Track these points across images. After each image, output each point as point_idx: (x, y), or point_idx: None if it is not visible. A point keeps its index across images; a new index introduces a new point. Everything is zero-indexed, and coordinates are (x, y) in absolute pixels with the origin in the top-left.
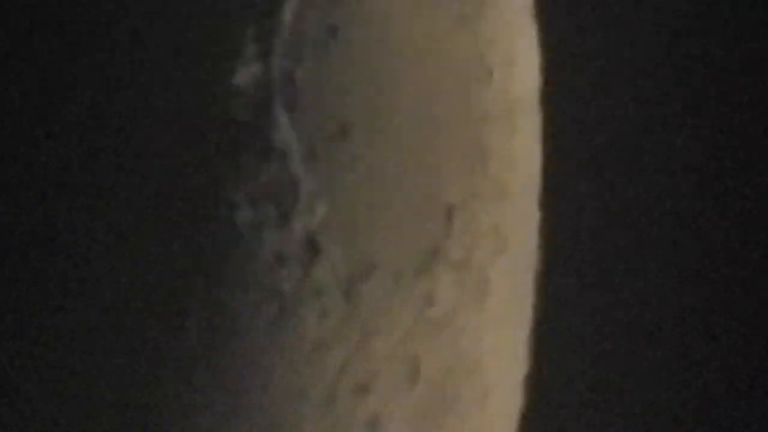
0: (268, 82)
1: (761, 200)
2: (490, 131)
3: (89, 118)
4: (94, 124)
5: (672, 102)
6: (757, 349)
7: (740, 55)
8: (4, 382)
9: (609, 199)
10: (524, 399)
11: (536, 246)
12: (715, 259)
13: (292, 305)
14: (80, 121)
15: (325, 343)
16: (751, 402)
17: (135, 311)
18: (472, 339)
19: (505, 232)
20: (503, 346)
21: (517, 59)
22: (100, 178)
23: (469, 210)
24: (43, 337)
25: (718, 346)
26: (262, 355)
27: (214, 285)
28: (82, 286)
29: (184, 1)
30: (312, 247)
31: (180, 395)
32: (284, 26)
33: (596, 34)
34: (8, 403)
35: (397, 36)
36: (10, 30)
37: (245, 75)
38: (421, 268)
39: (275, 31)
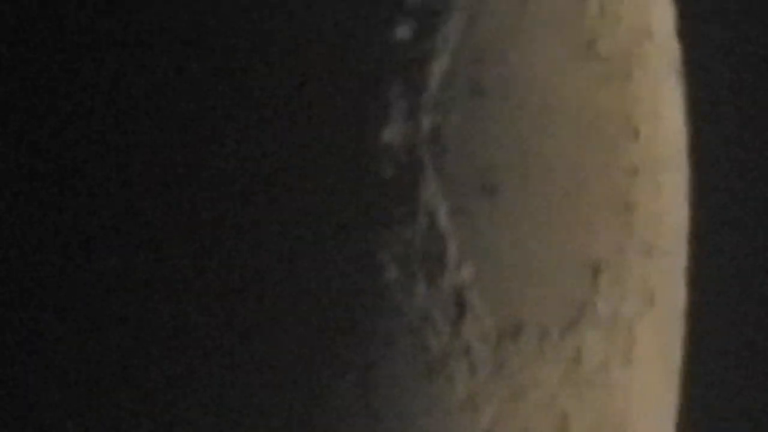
0: (416, 140)
1: None
2: (636, 188)
3: (238, 185)
4: (242, 191)
5: None
6: None
7: None
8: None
9: (756, 253)
10: None
11: (683, 302)
12: None
13: (441, 362)
14: (230, 187)
15: (474, 400)
16: None
17: (291, 363)
18: (620, 396)
19: (652, 288)
20: (651, 403)
21: (663, 116)
22: (255, 240)
23: (615, 266)
24: (201, 392)
25: None
26: (413, 411)
27: (365, 342)
28: (238, 341)
29: (331, 59)
30: (460, 305)
31: None
32: (432, 83)
33: (741, 90)
34: None
35: (543, 94)
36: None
37: (393, 133)
38: (568, 326)
39: (423, 88)
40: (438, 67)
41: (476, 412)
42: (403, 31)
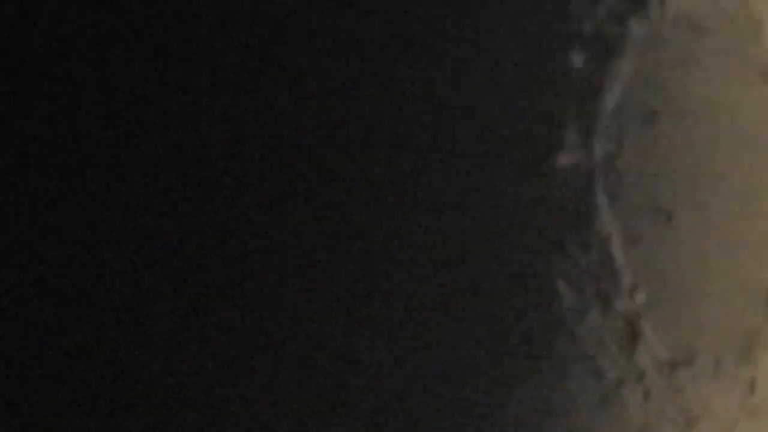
0: (590, 167)
1: None
2: None
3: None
4: (400, 220)
5: None
6: None
7: None
8: None
9: None
10: None
11: None
12: None
13: (616, 388)
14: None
15: (648, 427)
16: None
17: (464, 378)
18: None
19: None
20: None
21: None
22: (432, 263)
23: None
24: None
25: None
26: None
27: (541, 364)
28: (408, 350)
29: (506, 86)
30: (633, 332)
31: None
32: (605, 110)
33: None
34: None
35: (717, 118)
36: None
37: (567, 159)
38: (742, 354)
39: (596, 115)
40: (611, 95)
41: None
42: (578, 59)
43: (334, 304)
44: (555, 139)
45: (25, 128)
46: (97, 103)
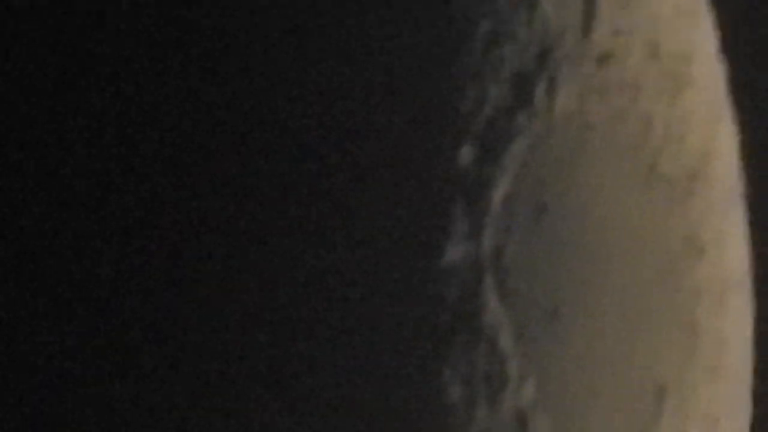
0: (478, 261)
1: None
2: (701, 310)
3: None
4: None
5: None
6: None
7: None
8: None
9: None
10: None
11: (747, 427)
12: None
13: None
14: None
15: None
16: None
17: None
18: None
19: (716, 413)
20: None
21: (726, 238)
22: (306, 357)
23: (680, 391)
24: None
25: None
26: None
27: None
28: None
29: (395, 182)
30: (521, 426)
31: None
32: (494, 204)
33: None
34: None
35: (606, 215)
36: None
37: (455, 254)
38: None
39: (485, 209)
40: (500, 190)
41: None
42: (466, 155)
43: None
44: (443, 234)
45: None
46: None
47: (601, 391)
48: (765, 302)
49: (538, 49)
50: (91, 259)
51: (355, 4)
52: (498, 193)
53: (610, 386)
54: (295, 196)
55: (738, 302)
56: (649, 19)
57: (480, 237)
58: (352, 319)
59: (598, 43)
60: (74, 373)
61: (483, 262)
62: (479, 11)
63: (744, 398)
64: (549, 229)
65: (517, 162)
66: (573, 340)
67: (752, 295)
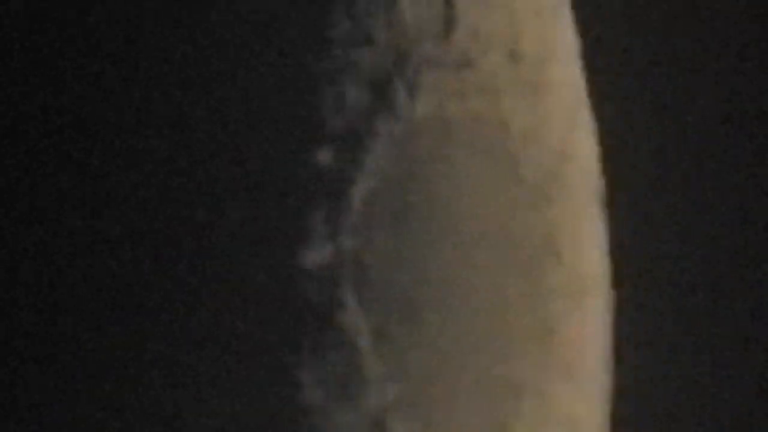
0: (337, 264)
1: None
2: (558, 312)
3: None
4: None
5: None
6: None
7: None
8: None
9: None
10: None
11: (604, 425)
12: None
13: None
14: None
15: None
16: None
17: None
18: None
19: (575, 413)
20: None
21: (584, 241)
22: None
23: (537, 391)
24: None
25: None
26: None
27: None
28: None
29: (252, 183)
30: (380, 429)
31: None
32: (353, 208)
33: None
34: None
35: (465, 219)
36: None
37: (314, 256)
38: None
39: (344, 213)
40: (360, 191)
41: None
42: (325, 156)
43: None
44: (302, 236)
45: None
46: None
47: (459, 391)
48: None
49: (397, 52)
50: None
51: (207, 4)
52: (358, 195)
53: (469, 387)
54: (152, 199)
55: (595, 304)
56: (508, 22)
57: (340, 238)
58: (209, 320)
59: (457, 46)
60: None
61: (343, 264)
62: (337, 14)
63: (602, 399)
64: (409, 230)
65: (378, 164)
66: (432, 342)
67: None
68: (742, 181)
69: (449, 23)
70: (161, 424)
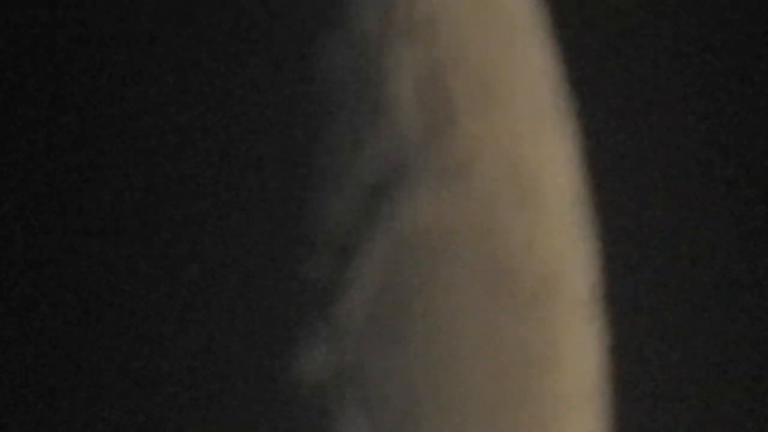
0: (336, 375)
1: None
2: (555, 419)
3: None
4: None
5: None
6: None
7: None
8: None
9: None
10: None
11: None
12: None
13: None
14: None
15: None
16: None
17: None
18: None
19: None
20: None
21: (582, 347)
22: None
23: None
24: None
25: None
26: None
27: None
28: None
29: (248, 295)
30: None
31: None
32: (349, 316)
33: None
34: None
35: (464, 324)
36: None
37: (311, 367)
38: None
39: (347, 319)
40: (356, 300)
41: None
42: (320, 263)
43: None
44: (300, 346)
45: None
46: None
47: None
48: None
49: (397, 159)
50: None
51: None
52: (354, 304)
53: None
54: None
55: (592, 410)
56: (506, 129)
57: (337, 349)
58: None
59: (457, 152)
60: None
61: (341, 375)
62: (335, 121)
63: None
64: (406, 341)
65: (377, 270)
66: None
67: None
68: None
69: (449, 127)
70: None
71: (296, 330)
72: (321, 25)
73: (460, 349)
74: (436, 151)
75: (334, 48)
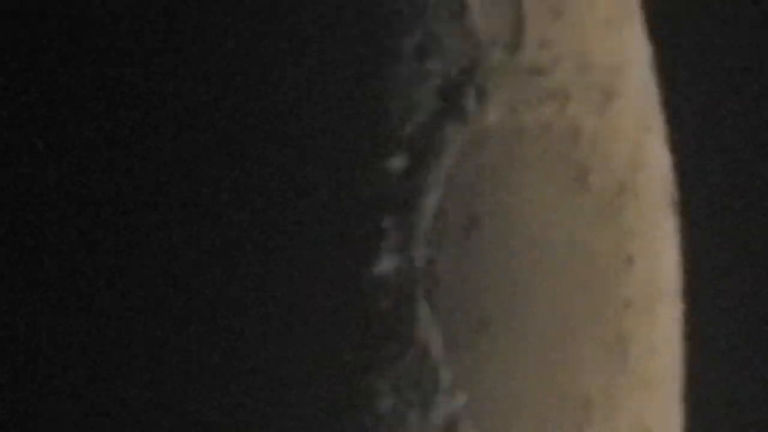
0: (410, 273)
1: None
2: (630, 321)
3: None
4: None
5: None
6: None
7: None
8: None
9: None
10: None
11: None
12: None
13: None
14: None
15: None
16: None
17: None
18: None
19: (648, 423)
20: None
21: (657, 249)
22: (241, 366)
23: (609, 401)
24: None
25: None
26: None
27: None
28: None
29: (324, 191)
30: None
31: None
32: (425, 216)
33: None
34: None
35: (537, 227)
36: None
37: (387, 265)
38: None
39: (416, 222)
40: (432, 200)
41: None
42: (397, 165)
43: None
44: (375, 244)
45: None
46: None
47: (528, 401)
48: None
49: (468, 61)
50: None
51: (284, 15)
52: (429, 204)
53: (538, 397)
54: (225, 204)
55: (668, 313)
56: (578, 31)
57: (411, 248)
58: (284, 328)
59: (527, 54)
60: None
61: (414, 274)
62: (407, 23)
63: (675, 408)
64: (479, 240)
65: (448, 172)
66: (502, 351)
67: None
68: None
69: (519, 31)
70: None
71: (376, 227)
72: None
73: (531, 249)
74: (507, 52)
75: None
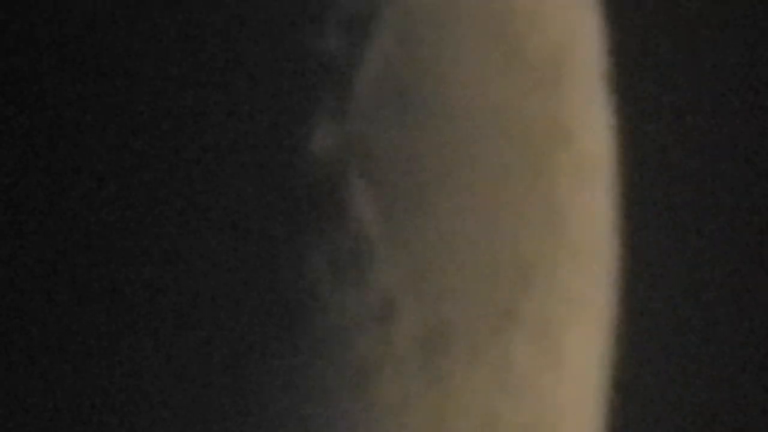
0: (344, 148)
1: None
2: (565, 190)
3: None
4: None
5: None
6: None
7: None
8: None
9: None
10: None
11: (612, 304)
12: None
13: (371, 366)
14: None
15: (405, 403)
16: None
17: (223, 366)
18: (549, 400)
19: (582, 292)
20: (580, 407)
21: (591, 120)
22: (172, 245)
23: (544, 269)
24: None
25: None
26: (345, 417)
27: (295, 346)
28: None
29: (253, 68)
30: (389, 308)
31: None
32: (360, 90)
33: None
34: None
35: (472, 98)
36: None
37: (321, 140)
38: (497, 329)
39: (351, 95)
40: (366, 75)
41: (406, 416)
42: (330, 38)
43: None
44: (308, 121)
45: None
46: None
47: (466, 271)
48: None
49: None
50: None
51: None
52: (364, 78)
53: (475, 266)
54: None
55: (603, 184)
56: None
57: (346, 122)
58: (217, 199)
59: None
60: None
61: (349, 147)
62: None
63: (609, 279)
64: (414, 113)
65: (383, 46)
66: (437, 223)
67: None
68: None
69: None
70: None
71: (310, 102)
72: None
73: (467, 121)
74: None
75: None
